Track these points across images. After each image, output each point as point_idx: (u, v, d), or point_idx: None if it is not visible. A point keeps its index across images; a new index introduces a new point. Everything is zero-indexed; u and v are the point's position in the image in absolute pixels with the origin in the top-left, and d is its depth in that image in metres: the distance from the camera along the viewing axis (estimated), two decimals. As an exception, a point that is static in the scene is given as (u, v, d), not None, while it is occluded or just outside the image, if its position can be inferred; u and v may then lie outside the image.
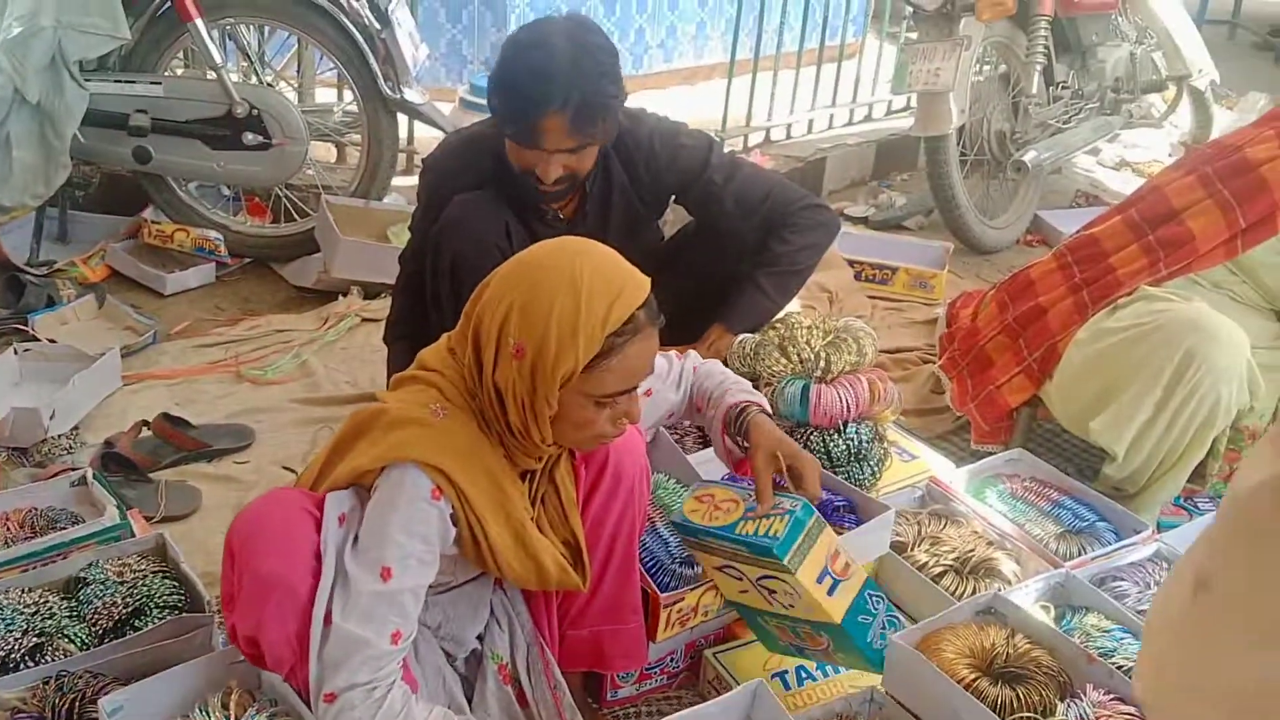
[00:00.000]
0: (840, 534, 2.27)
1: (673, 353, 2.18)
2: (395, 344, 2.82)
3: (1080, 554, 2.40)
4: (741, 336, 2.72)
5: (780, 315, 2.80)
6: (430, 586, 1.83)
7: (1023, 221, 4.78)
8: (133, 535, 2.30)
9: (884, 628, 1.97)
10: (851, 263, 4.14)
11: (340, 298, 3.77)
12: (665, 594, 2.14)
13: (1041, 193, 4.90)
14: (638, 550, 2.03)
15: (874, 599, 1.98)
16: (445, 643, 1.96)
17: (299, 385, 3.31)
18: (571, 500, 1.87)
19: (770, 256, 2.72)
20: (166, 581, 2.14)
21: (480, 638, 2.01)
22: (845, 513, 2.42)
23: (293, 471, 2.83)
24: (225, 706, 1.80)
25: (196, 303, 3.80)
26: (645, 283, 1.71)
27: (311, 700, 1.69)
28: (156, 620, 2.05)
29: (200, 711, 1.80)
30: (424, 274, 2.64)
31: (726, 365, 2.54)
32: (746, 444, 2.03)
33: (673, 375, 2.14)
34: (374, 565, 1.67)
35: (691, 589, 2.15)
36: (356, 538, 1.71)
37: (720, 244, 2.77)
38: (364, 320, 3.66)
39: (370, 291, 3.77)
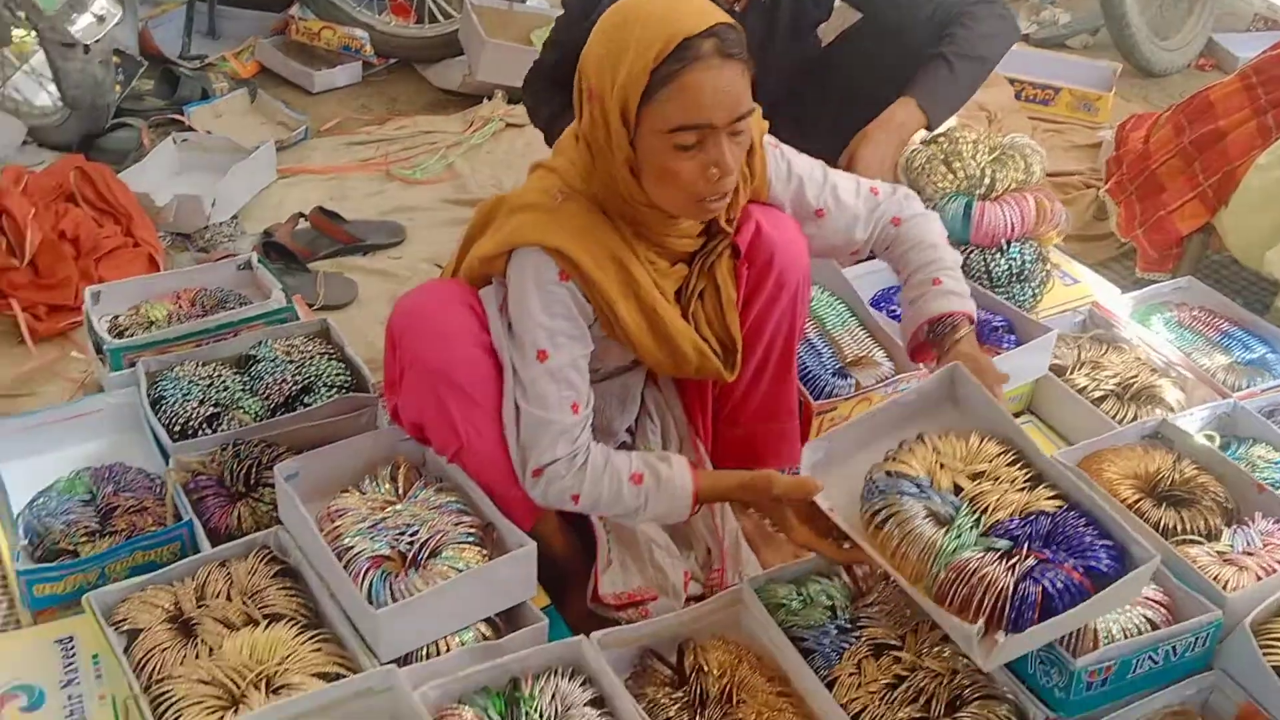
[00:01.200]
0: (997, 354, 2.22)
1: (871, 184, 1.98)
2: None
3: (1249, 386, 2.31)
4: (908, 150, 2.60)
5: (943, 129, 2.68)
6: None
7: (1196, 44, 4.49)
8: (298, 319, 2.37)
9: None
10: (1012, 81, 3.94)
11: (485, 101, 3.74)
12: (819, 401, 2.13)
13: (1217, 14, 4.58)
14: (796, 352, 2.01)
15: None
16: (596, 433, 1.98)
17: (447, 186, 3.33)
18: (730, 300, 1.85)
19: (954, 39, 2.49)
20: (333, 363, 2.20)
21: (631, 431, 2.03)
22: (1004, 333, 2.37)
23: (441, 269, 2.86)
24: (394, 479, 1.87)
25: (344, 101, 3.82)
26: (714, 13, 1.60)
27: (521, 480, 1.74)
28: (325, 398, 2.12)
29: (370, 481, 1.86)
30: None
31: (911, 171, 2.46)
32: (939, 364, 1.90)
33: (861, 206, 1.95)
34: (530, 349, 1.70)
35: (845, 399, 2.14)
36: (510, 326, 1.74)
37: (884, 46, 2.63)
38: (508, 125, 3.64)
39: (514, 96, 3.72)
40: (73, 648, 1.78)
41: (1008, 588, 1.54)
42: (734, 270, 1.85)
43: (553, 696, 1.61)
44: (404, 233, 3.06)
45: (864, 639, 1.77)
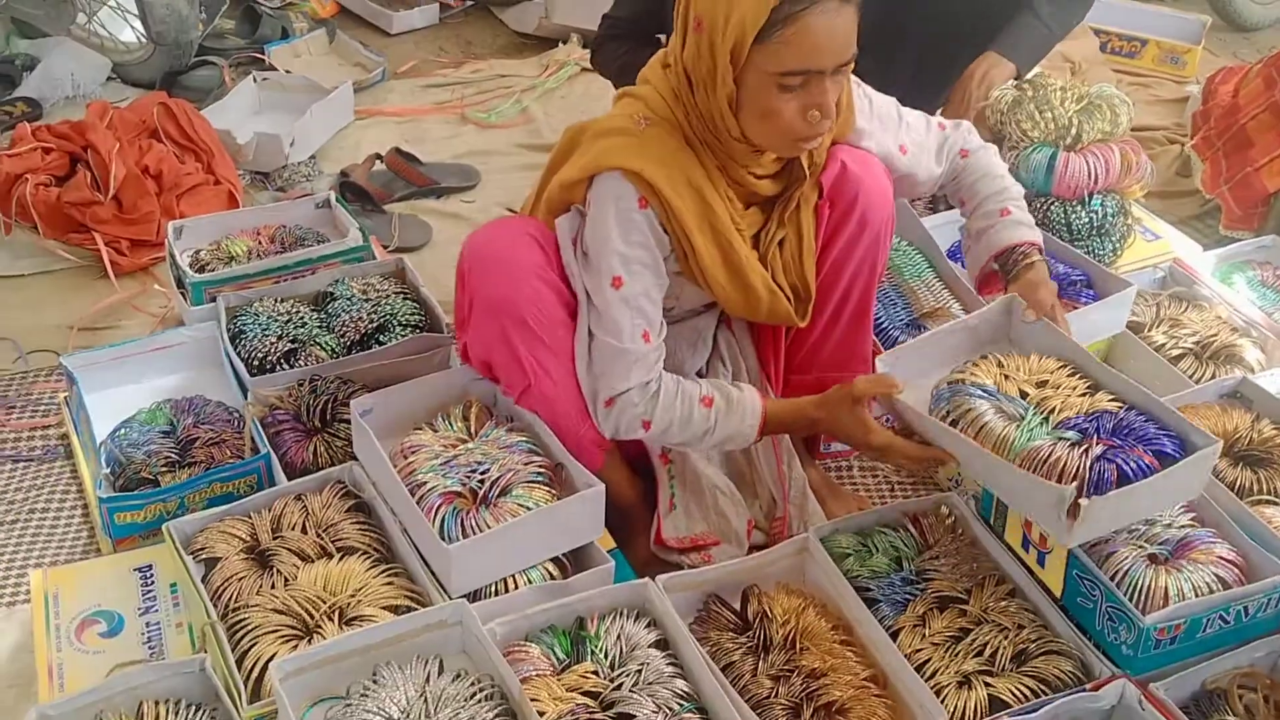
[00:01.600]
0: (1075, 309, 2.19)
1: (938, 120, 1.99)
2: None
3: (1335, 348, 2.25)
4: (995, 94, 2.55)
5: (1030, 75, 2.62)
6: None
7: (1293, -4, 4.33)
8: (374, 258, 2.39)
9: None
10: (1097, 32, 3.84)
11: (560, 45, 3.73)
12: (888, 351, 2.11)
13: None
14: (874, 300, 1.99)
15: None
16: (665, 372, 2.00)
17: (521, 130, 3.33)
18: (810, 249, 1.83)
19: None
20: (408, 303, 2.23)
21: (701, 374, 2.03)
22: (1082, 287, 2.32)
23: (515, 213, 2.87)
24: (465, 418, 1.89)
25: (421, 44, 3.83)
26: None
27: (592, 411, 1.77)
28: (400, 337, 2.15)
29: (443, 419, 1.89)
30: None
31: (997, 114, 2.41)
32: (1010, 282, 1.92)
33: (932, 141, 1.96)
34: (605, 276, 1.71)
35: (917, 350, 2.12)
36: (586, 253, 1.74)
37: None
38: (583, 70, 3.62)
39: (588, 40, 3.69)
40: (151, 576, 1.84)
41: (1084, 467, 1.60)
42: (816, 211, 1.84)
43: (618, 637, 1.63)
44: (478, 176, 3.07)
45: (929, 591, 1.77)
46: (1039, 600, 1.76)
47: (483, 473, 1.77)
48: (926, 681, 1.63)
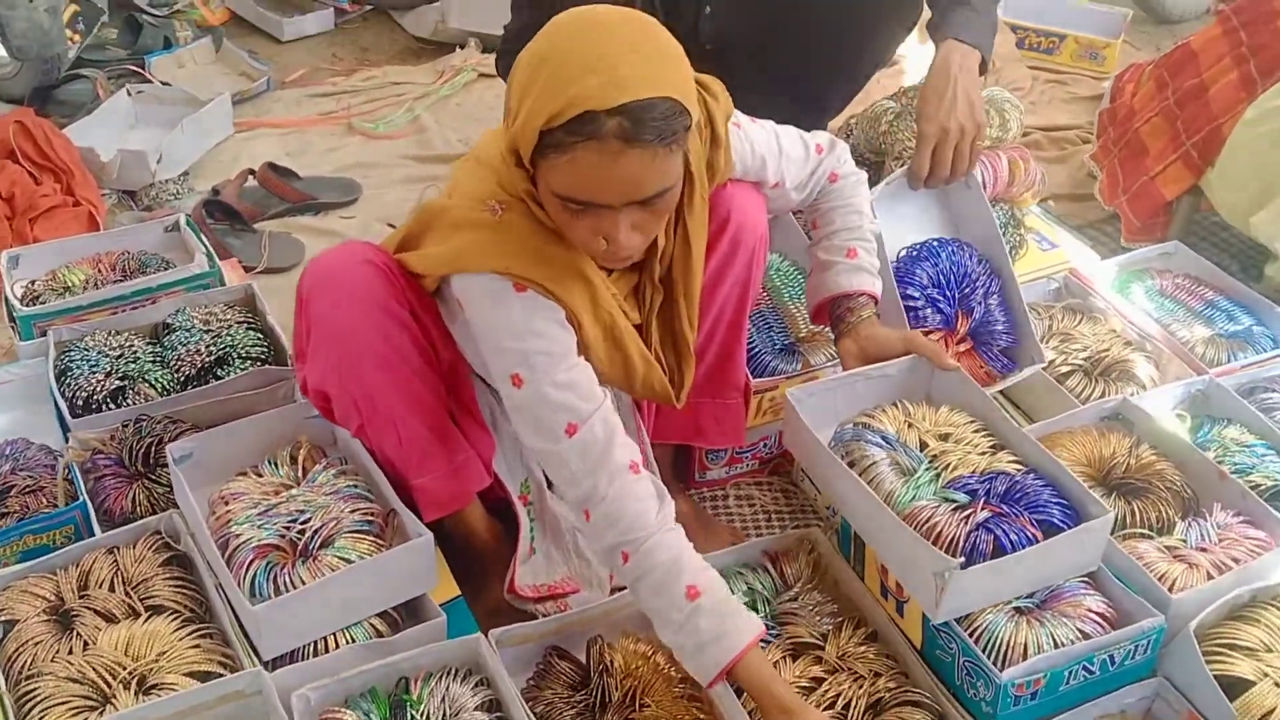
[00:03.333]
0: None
1: (817, 141, 1.86)
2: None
3: (1229, 361, 2.16)
4: (876, 104, 2.44)
5: (917, 82, 2.52)
6: None
7: (1216, -14, 4.26)
8: (222, 284, 2.27)
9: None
10: (1014, 29, 3.75)
11: (458, 50, 3.60)
12: (759, 379, 2.00)
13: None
14: (746, 325, 1.88)
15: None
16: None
17: (410, 141, 3.20)
18: (690, 313, 1.71)
19: None
20: (252, 333, 2.10)
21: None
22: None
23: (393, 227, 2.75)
24: (294, 460, 1.77)
25: (314, 50, 3.69)
26: (639, 85, 1.36)
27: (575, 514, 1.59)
28: (239, 371, 2.03)
29: (269, 463, 1.77)
30: None
31: (878, 128, 2.30)
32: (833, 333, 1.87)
33: (808, 168, 1.84)
34: (504, 379, 1.54)
35: (786, 378, 2.02)
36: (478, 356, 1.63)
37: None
38: (481, 75, 3.50)
39: (488, 44, 3.58)
40: (-47, 638, 1.71)
41: (959, 537, 1.54)
42: (688, 265, 1.71)
43: (442, 699, 1.52)
44: (359, 190, 2.94)
45: (784, 637, 1.67)
46: (899, 646, 1.67)
47: (303, 523, 1.65)
48: (773, 737, 1.53)
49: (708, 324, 1.81)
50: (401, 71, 3.53)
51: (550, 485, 1.82)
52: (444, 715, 1.51)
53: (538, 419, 1.53)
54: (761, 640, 1.60)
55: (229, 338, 2.07)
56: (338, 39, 3.76)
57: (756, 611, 1.70)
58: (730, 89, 1.68)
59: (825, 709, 1.57)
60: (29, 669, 1.54)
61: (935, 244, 2.17)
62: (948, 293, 2.10)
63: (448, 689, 1.54)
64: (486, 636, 1.61)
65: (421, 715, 1.51)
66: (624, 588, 1.77)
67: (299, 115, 3.29)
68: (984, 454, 1.70)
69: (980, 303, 2.10)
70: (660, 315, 1.69)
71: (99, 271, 2.26)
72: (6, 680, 1.53)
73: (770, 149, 1.78)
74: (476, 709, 1.52)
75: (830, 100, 2.64)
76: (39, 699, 1.49)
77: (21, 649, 1.56)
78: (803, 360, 2.07)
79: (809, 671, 1.62)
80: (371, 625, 1.64)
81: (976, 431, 1.73)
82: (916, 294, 2.07)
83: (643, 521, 1.49)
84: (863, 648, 1.65)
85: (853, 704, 1.57)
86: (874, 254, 1.86)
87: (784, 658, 1.63)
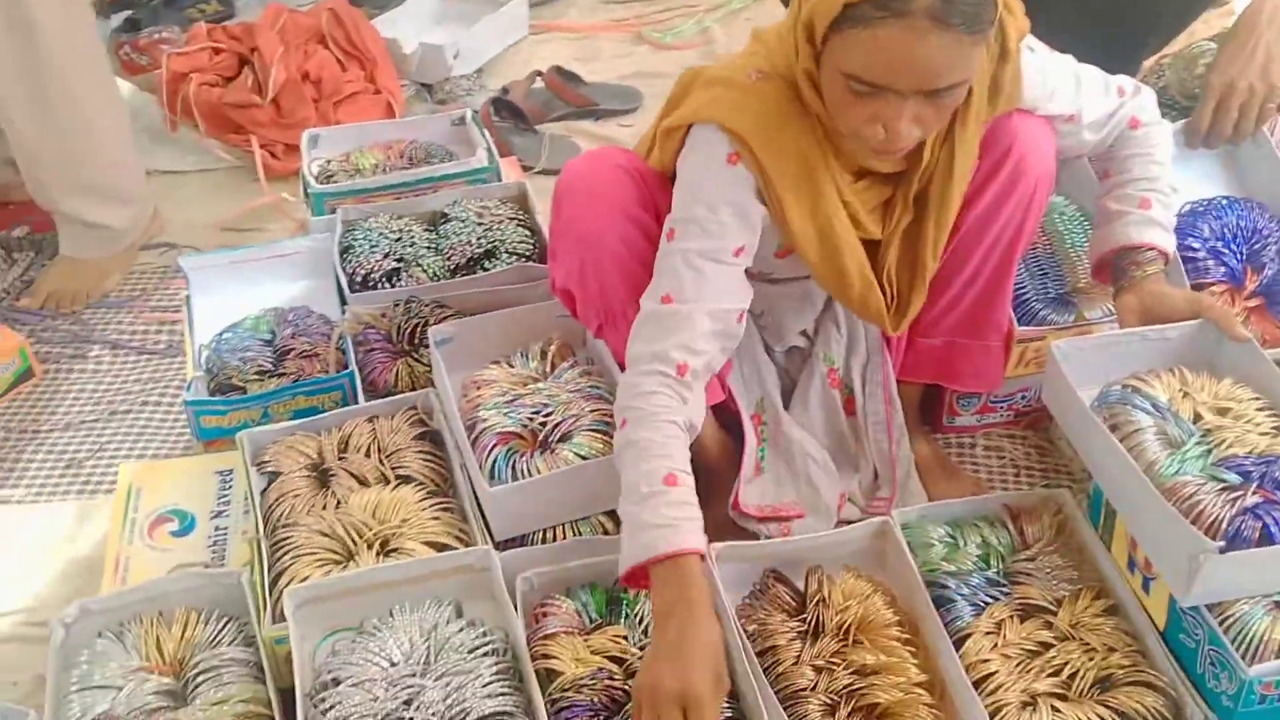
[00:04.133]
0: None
1: (1119, 83, 1.73)
2: None
3: None
4: (1195, 45, 2.23)
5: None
6: (760, 276, 1.71)
7: None
8: (499, 180, 2.34)
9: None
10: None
11: (756, -39, 3.55)
12: (1026, 328, 1.89)
13: None
14: (1017, 263, 1.78)
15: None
16: (765, 333, 1.85)
17: (697, 53, 3.19)
18: (935, 247, 1.64)
19: None
20: (521, 230, 2.16)
21: (810, 336, 1.88)
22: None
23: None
24: (544, 355, 1.82)
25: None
26: None
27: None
28: (505, 264, 2.09)
29: (521, 355, 1.83)
30: None
31: (1194, 70, 2.11)
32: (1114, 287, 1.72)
33: (1106, 108, 1.71)
34: (666, 225, 1.56)
35: (1055, 329, 1.90)
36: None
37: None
38: (776, -10, 3.43)
39: (788, -41, 3.51)
40: (230, 481, 1.86)
41: (1223, 519, 1.41)
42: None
43: (655, 602, 1.54)
44: (640, 99, 2.96)
45: (1015, 596, 1.59)
46: (1142, 625, 1.55)
47: (545, 415, 1.70)
48: (987, 697, 1.47)
49: (975, 260, 1.72)
50: (697, -19, 3.51)
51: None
52: (655, 616, 1.53)
53: (660, 271, 1.53)
54: (984, 599, 1.55)
55: (499, 232, 2.14)
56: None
57: (988, 567, 1.63)
58: (1041, 24, 1.58)
59: (1047, 677, 1.49)
60: (286, 518, 1.66)
61: (1222, 200, 1.98)
62: (1233, 246, 1.92)
63: (662, 593, 1.55)
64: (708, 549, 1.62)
65: (635, 613, 1.53)
66: (850, 521, 1.76)
67: (592, 21, 3.33)
68: (1266, 434, 1.54)
69: (1273, 260, 1.91)
70: (905, 235, 1.62)
71: (388, 157, 2.38)
72: (265, 525, 1.66)
73: (1065, 80, 1.67)
74: (689, 617, 1.53)
75: (1148, 39, 2.43)
76: (291, 546, 1.61)
77: (282, 499, 1.69)
78: (1077, 313, 1.94)
79: (1036, 635, 1.53)
80: (599, 522, 1.68)
81: (1261, 410, 1.58)
82: (1198, 245, 1.91)
83: (659, 405, 1.45)
84: (1099, 619, 1.55)
85: (1080, 675, 1.49)
86: (1171, 210, 1.70)
87: (1011, 617, 1.56)
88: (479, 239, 2.13)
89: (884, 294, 1.64)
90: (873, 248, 1.62)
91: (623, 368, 1.69)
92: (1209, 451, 1.52)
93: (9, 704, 1.43)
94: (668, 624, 1.32)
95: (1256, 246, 1.93)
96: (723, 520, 1.80)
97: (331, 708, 1.35)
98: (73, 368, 2.21)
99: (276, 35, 2.75)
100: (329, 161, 2.39)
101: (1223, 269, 1.91)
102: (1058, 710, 1.45)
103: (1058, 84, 1.65)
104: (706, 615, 1.34)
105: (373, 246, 2.11)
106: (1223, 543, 1.39)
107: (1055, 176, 1.71)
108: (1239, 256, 1.92)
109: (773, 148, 1.52)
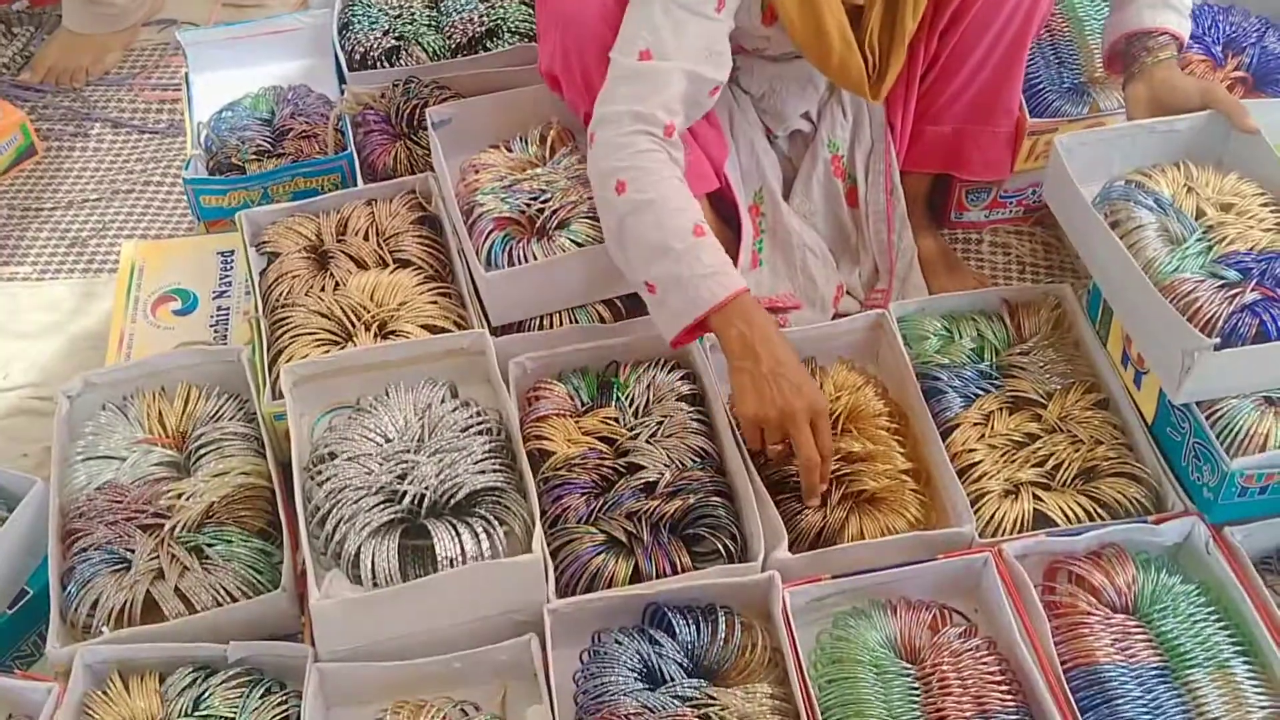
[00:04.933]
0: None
1: None
2: None
3: None
4: None
5: None
6: (756, 51, 1.66)
7: None
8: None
9: None
10: None
11: None
12: (1039, 119, 1.84)
13: None
14: (1028, 46, 1.72)
15: None
16: (766, 116, 1.81)
17: None
18: (914, 10, 1.57)
19: None
20: (524, 9, 2.08)
21: (814, 120, 1.83)
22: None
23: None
24: (543, 140, 1.79)
25: None
26: None
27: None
28: (506, 45, 2.03)
29: (519, 140, 1.80)
30: None
31: None
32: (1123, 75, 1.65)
33: None
34: (628, 46, 1.48)
35: (1069, 121, 1.84)
36: None
37: None
38: None
39: None
40: (231, 262, 1.87)
41: (1219, 316, 1.40)
42: None
43: (648, 386, 1.56)
44: None
45: (1006, 389, 1.60)
46: (1131, 420, 1.56)
47: (542, 201, 1.68)
48: (971, 484, 1.50)
49: (986, 41, 1.67)
50: None
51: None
52: (647, 400, 1.55)
53: (634, 25, 1.47)
54: (975, 391, 1.56)
55: (501, 10, 2.07)
56: None
57: (981, 360, 1.64)
58: None
59: (1033, 468, 1.51)
60: (285, 299, 1.67)
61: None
62: (1211, 34, 1.91)
63: (654, 377, 1.57)
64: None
65: (626, 397, 1.55)
66: (846, 314, 1.75)
67: None
68: (1269, 230, 1.51)
69: (1254, 44, 1.87)
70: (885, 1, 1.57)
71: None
72: (264, 305, 1.68)
73: None
74: (679, 400, 1.55)
75: None
76: (290, 326, 1.62)
77: (281, 279, 1.69)
78: (1091, 103, 1.89)
79: (1024, 427, 1.55)
80: (595, 310, 1.68)
81: (1265, 205, 1.54)
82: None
83: (660, 162, 1.44)
84: (1089, 413, 1.56)
85: (1064, 466, 1.51)
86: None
87: (1000, 409, 1.57)
88: (481, 17, 2.06)
89: (865, 63, 1.60)
90: (854, 15, 1.57)
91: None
92: (1210, 248, 1.50)
93: (18, 473, 1.47)
94: (755, 355, 1.39)
95: (1234, 34, 1.91)
96: (720, 310, 1.80)
97: (327, 479, 1.39)
98: (74, 145, 2.19)
99: None
100: (332, -67, 2.30)
101: (1199, 47, 1.89)
102: (1039, 499, 1.48)
103: None
104: (785, 340, 1.42)
105: (372, 23, 2.05)
106: (1218, 339, 1.38)
107: None
108: (1216, 40, 1.91)
109: None
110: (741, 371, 1.40)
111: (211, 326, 1.79)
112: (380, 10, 2.08)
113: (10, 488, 1.46)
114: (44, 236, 2.01)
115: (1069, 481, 1.51)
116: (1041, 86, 1.89)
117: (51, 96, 2.28)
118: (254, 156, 1.91)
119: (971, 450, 1.53)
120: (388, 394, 1.51)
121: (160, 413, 1.53)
